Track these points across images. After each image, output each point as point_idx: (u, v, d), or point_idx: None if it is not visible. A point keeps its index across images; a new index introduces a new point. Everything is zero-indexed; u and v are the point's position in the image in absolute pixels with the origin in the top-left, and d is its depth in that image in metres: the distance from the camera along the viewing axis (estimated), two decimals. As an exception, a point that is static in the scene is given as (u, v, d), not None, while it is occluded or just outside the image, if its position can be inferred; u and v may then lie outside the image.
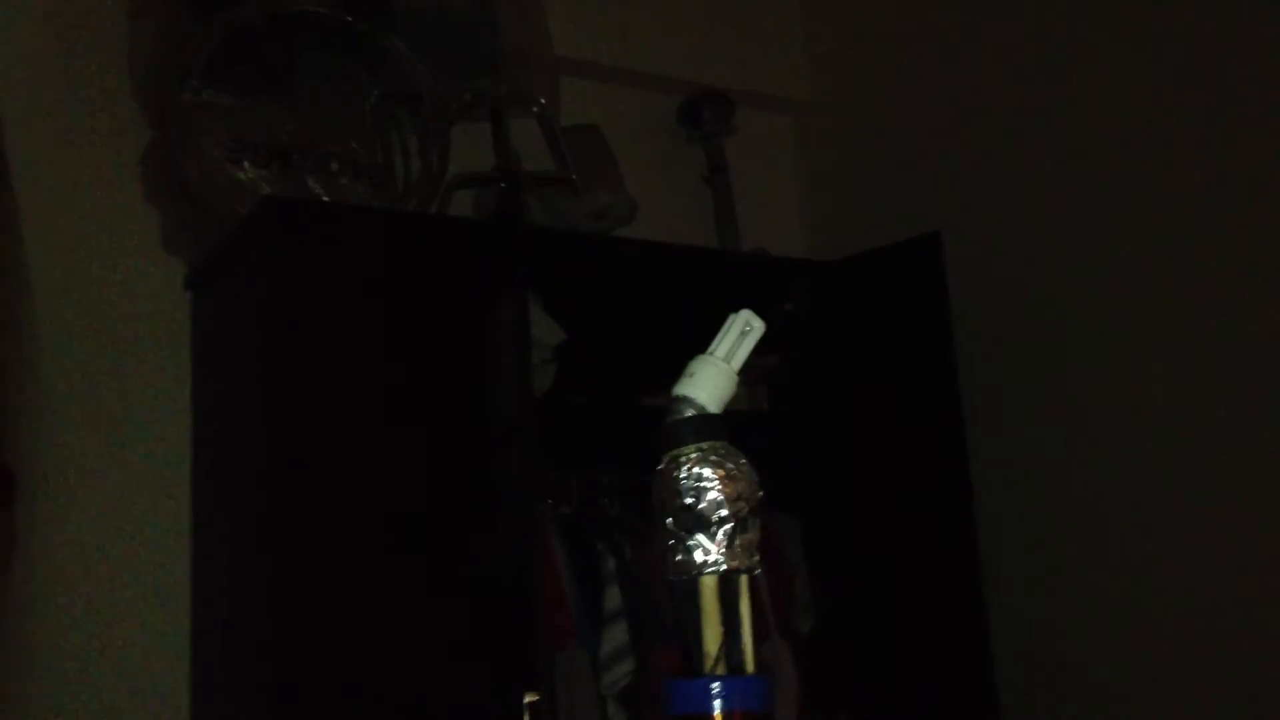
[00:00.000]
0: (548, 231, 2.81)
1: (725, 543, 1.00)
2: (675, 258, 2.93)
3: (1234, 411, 2.60)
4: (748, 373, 3.27)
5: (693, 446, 1.02)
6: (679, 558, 1.01)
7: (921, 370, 2.89)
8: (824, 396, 2.99)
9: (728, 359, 1.06)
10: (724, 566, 1.00)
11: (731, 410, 3.29)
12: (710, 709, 0.98)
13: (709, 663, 0.99)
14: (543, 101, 2.97)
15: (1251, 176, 2.60)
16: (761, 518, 3.20)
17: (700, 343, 1.08)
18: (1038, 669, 2.85)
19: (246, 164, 2.59)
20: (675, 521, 1.01)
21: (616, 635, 2.63)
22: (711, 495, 1.00)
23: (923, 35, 3.31)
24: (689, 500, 1.00)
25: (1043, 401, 2.92)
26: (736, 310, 1.08)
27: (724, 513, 1.00)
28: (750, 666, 1.00)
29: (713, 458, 1.01)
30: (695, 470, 1.01)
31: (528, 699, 2.31)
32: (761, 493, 1.03)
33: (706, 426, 1.03)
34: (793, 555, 2.95)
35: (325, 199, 2.61)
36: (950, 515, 2.80)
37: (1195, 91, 2.71)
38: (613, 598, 2.65)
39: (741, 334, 1.06)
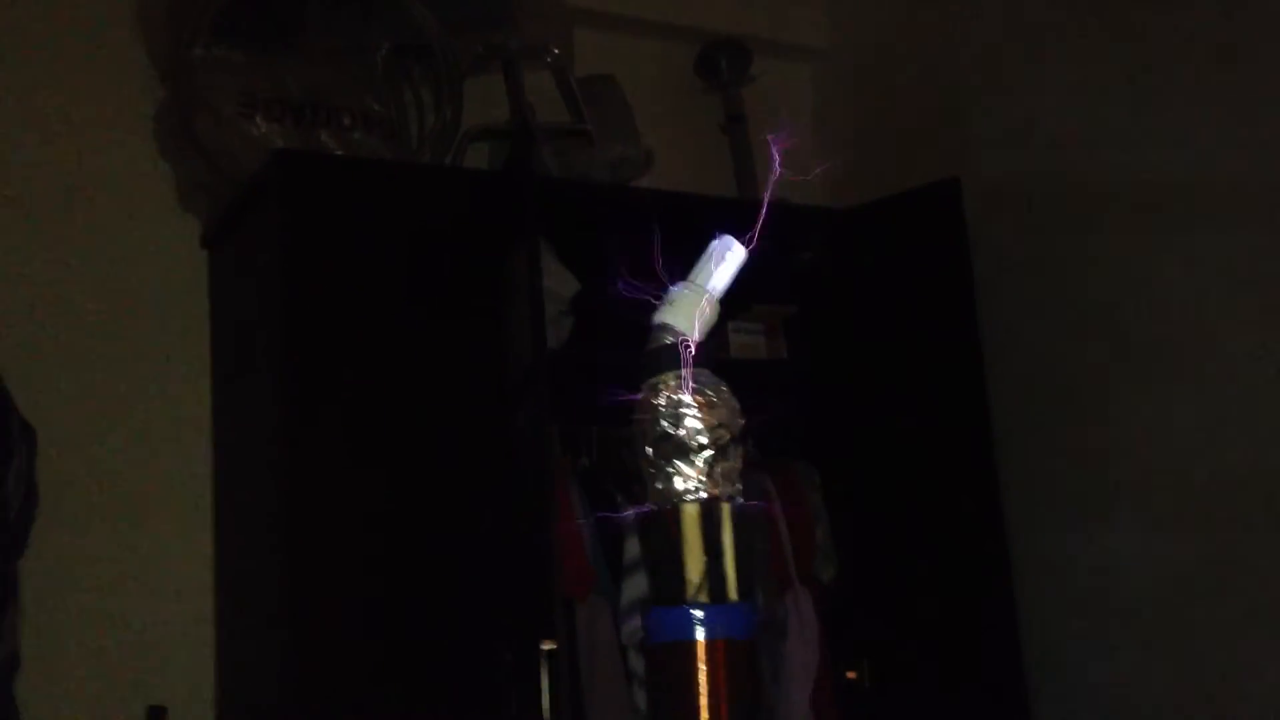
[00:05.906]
0: (560, 182, 2.79)
1: (705, 470, 0.99)
2: (691, 207, 2.91)
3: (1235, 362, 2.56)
4: (766, 321, 3.23)
5: (671, 374, 1.01)
6: (659, 485, 1.00)
7: (941, 316, 2.86)
8: (843, 344, 2.97)
9: (708, 285, 1.04)
10: (704, 494, 0.99)
11: (750, 359, 3.22)
12: (692, 635, 0.97)
13: (690, 590, 0.98)
14: (556, 52, 2.94)
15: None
16: (782, 465, 3.16)
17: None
18: (1065, 617, 2.82)
19: (258, 119, 2.58)
20: (655, 450, 1.00)
21: (636, 585, 2.62)
22: (690, 422, 0.99)
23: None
24: (668, 427, 0.99)
25: (1063, 345, 2.89)
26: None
27: (704, 439, 0.99)
28: (733, 594, 0.99)
29: (692, 384, 1.00)
30: (674, 397, 1.00)
31: (545, 647, 2.32)
32: (743, 420, 1.02)
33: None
34: (814, 503, 2.94)
35: (338, 153, 2.61)
36: (972, 463, 2.77)
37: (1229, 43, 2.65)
38: (631, 548, 2.65)
39: (721, 259, 1.05)
